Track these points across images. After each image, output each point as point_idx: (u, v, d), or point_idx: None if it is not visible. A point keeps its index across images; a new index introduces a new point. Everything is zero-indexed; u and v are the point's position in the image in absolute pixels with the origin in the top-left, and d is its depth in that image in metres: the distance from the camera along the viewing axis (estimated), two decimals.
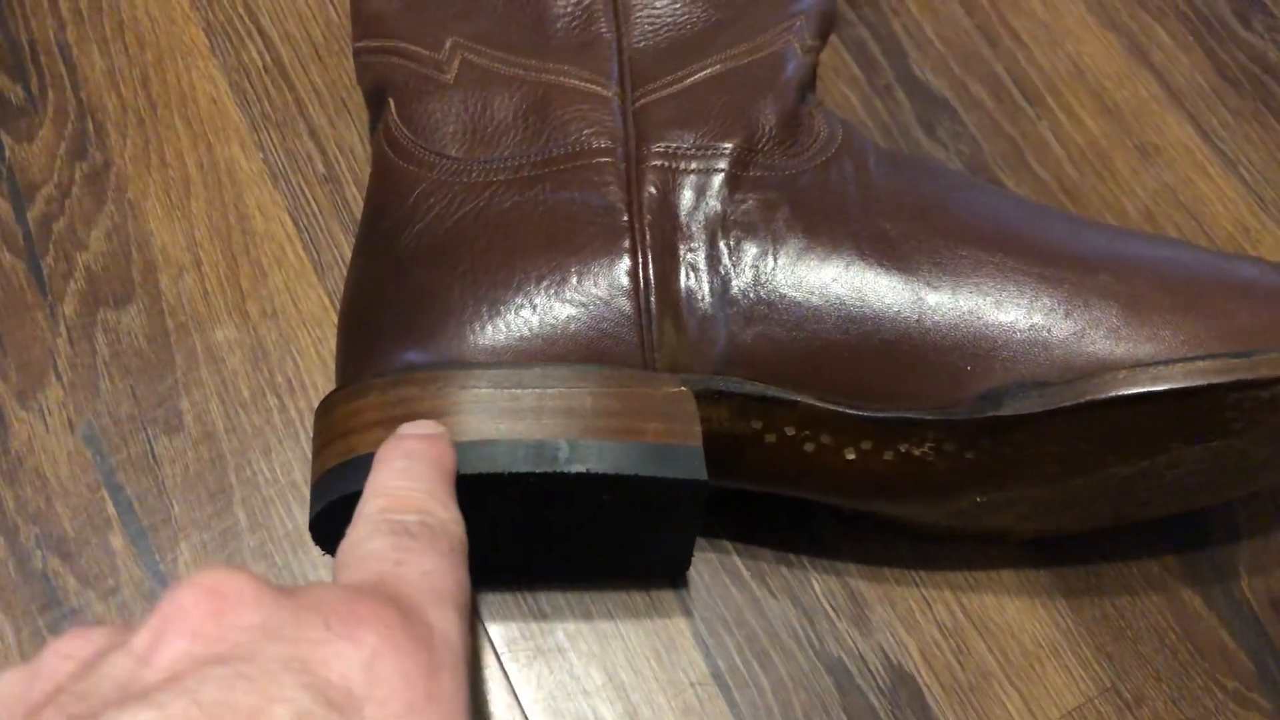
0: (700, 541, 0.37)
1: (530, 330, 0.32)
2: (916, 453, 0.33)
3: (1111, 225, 0.36)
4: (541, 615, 0.36)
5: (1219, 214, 0.45)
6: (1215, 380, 0.31)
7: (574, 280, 0.33)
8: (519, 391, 0.32)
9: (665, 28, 0.37)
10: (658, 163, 0.34)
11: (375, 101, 0.37)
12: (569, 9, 0.36)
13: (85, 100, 0.43)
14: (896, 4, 0.48)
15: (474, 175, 0.34)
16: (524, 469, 0.31)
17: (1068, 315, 0.32)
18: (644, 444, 0.31)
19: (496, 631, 0.36)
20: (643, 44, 0.36)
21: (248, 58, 0.45)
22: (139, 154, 0.43)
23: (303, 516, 0.37)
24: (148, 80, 0.44)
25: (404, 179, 0.35)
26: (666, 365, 0.33)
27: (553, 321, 0.32)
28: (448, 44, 0.36)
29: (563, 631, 0.36)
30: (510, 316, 0.32)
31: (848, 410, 0.32)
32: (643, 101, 0.35)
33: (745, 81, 0.35)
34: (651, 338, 0.32)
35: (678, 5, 0.37)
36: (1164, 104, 0.47)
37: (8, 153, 0.42)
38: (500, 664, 0.36)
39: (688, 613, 0.36)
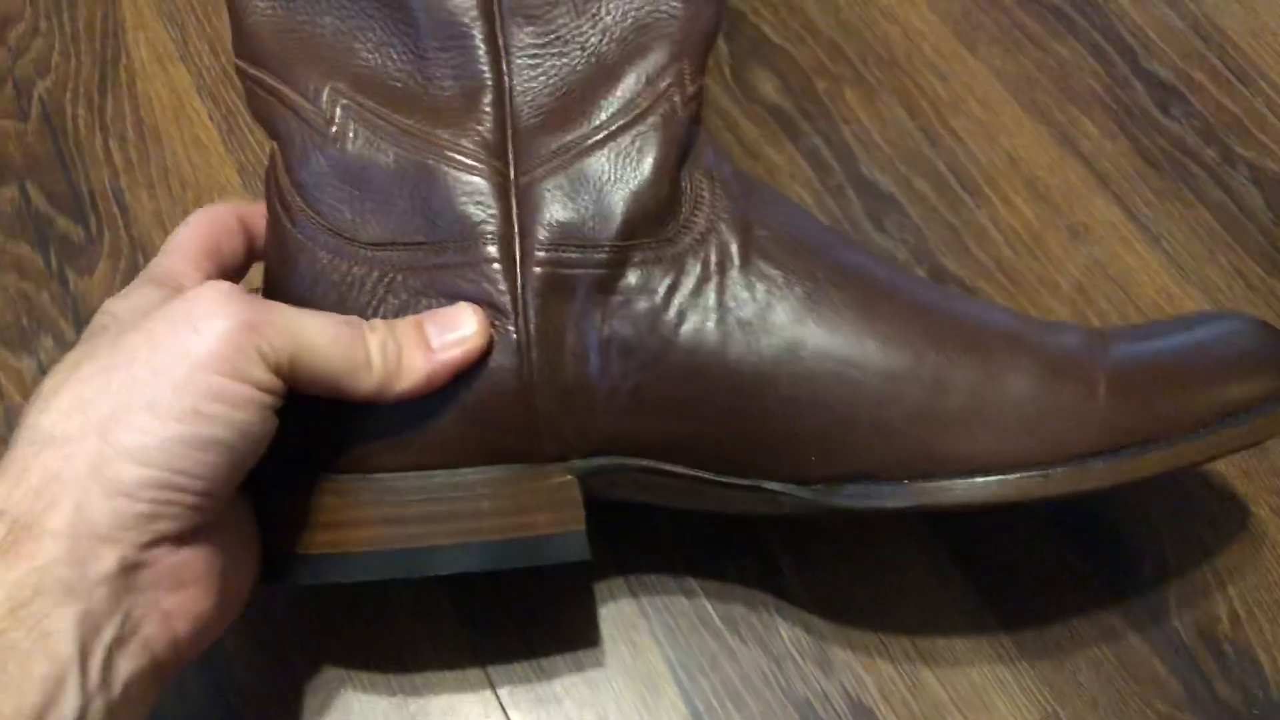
0: (679, 597, 0.42)
1: (426, 436, 0.35)
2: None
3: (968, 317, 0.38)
4: (540, 669, 0.41)
5: (1144, 284, 0.50)
6: (1016, 498, 0.35)
7: (464, 382, 0.35)
8: (418, 499, 0.35)
9: (547, 71, 0.37)
10: (541, 266, 0.35)
11: (268, 134, 0.38)
12: (444, 42, 0.36)
13: (136, 237, 0.50)
14: (847, 113, 0.54)
15: (363, 269, 0.35)
16: (433, 571, 0.35)
17: (908, 418, 0.35)
18: (534, 537, 0.36)
19: (503, 690, 0.41)
20: (525, 93, 0.36)
21: None
22: None
23: None
24: None
25: (299, 255, 0.36)
26: (554, 449, 0.36)
27: (448, 425, 0.35)
28: (325, 94, 0.36)
29: (559, 682, 0.41)
30: (405, 425, 0.35)
31: (714, 477, 0.37)
32: (527, 181, 0.36)
33: (625, 165, 0.36)
34: (538, 428, 0.35)
35: (556, 48, 0.37)
36: (1092, 188, 0.52)
37: (71, 286, 0.49)
38: (504, 712, 0.40)
39: (668, 660, 0.41)
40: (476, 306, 0.35)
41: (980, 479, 0.35)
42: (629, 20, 0.37)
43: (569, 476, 0.36)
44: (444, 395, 0.35)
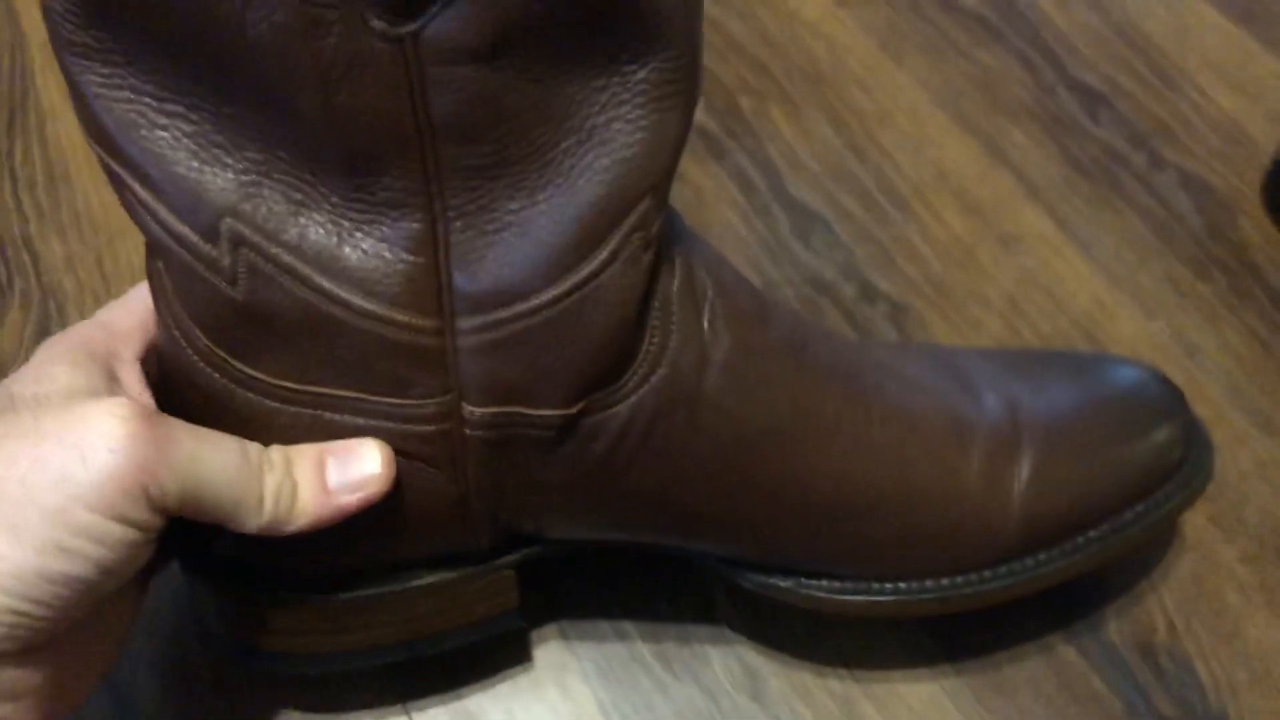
0: (609, 635, 0.41)
1: (361, 558, 0.35)
2: None
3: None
4: (466, 713, 0.40)
5: (1076, 293, 0.49)
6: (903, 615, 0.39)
7: (400, 516, 0.34)
8: (356, 613, 0.36)
9: (487, 205, 0.30)
10: (482, 430, 0.33)
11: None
12: (364, 163, 0.29)
13: (47, 285, 0.49)
14: (772, 131, 0.53)
15: (272, 403, 0.32)
16: (377, 662, 0.38)
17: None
18: (471, 624, 0.38)
19: None
20: (461, 231, 0.30)
21: None
22: None
23: None
24: (101, 261, 0.49)
25: (194, 377, 0.32)
26: (490, 549, 0.36)
27: (384, 552, 0.35)
28: (220, 231, 0.29)
29: None
30: (335, 548, 0.34)
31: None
32: (466, 344, 0.31)
33: (579, 324, 0.31)
34: (479, 542, 0.36)
35: (499, 172, 0.29)
36: (1021, 197, 0.52)
37: None
38: None
39: (599, 701, 0.40)
40: (382, 444, 0.32)
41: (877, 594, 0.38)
42: (584, 140, 0.29)
43: (506, 571, 0.37)
44: (379, 522, 0.33)
